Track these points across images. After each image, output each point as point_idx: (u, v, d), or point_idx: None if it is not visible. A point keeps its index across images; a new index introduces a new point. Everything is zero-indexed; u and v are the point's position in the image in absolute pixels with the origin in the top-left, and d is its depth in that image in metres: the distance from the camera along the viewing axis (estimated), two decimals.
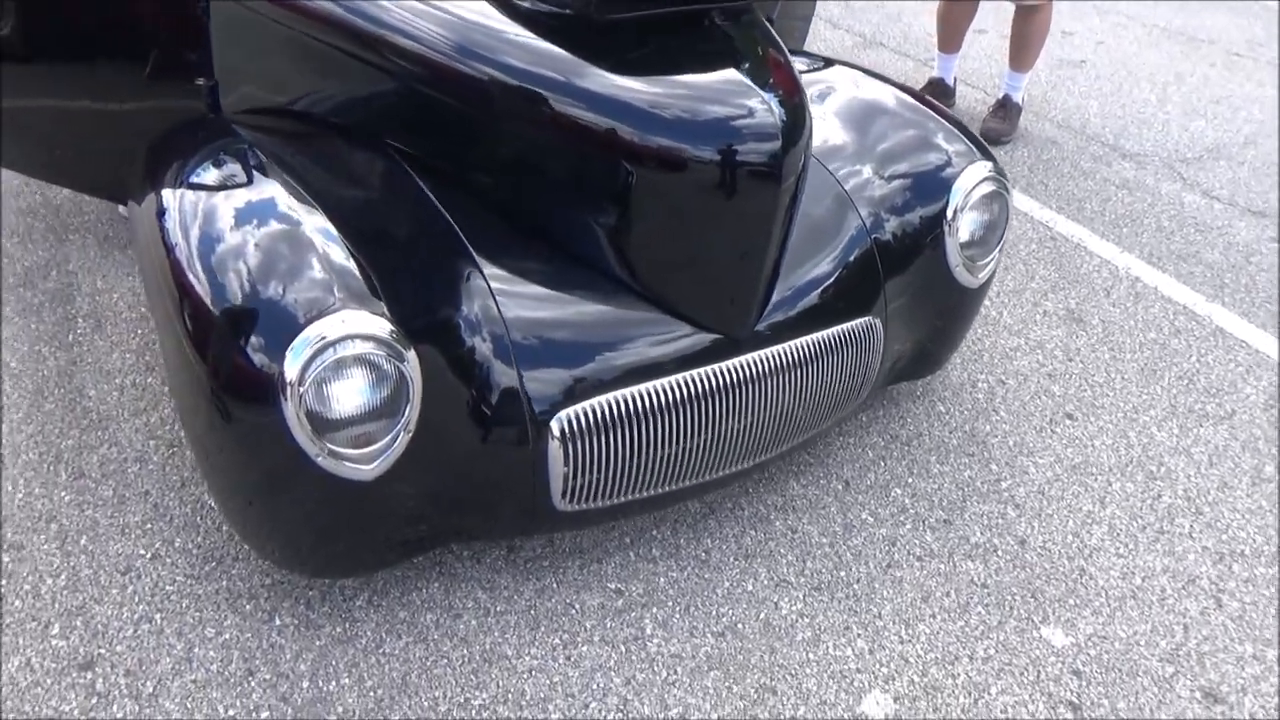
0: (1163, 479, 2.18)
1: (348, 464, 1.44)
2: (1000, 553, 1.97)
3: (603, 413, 1.59)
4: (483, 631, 1.74)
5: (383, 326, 1.41)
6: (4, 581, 1.76)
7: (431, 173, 1.80)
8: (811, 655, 1.73)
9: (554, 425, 1.57)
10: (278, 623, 1.72)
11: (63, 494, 1.95)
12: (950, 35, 3.87)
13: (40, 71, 2.35)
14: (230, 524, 1.73)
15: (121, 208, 2.83)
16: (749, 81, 1.63)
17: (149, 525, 1.90)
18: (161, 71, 2.26)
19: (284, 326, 1.39)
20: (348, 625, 1.73)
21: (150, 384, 2.25)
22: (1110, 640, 1.80)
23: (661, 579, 1.86)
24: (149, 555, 1.84)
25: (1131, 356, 2.59)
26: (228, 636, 1.70)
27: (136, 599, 1.75)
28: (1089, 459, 2.23)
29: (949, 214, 1.95)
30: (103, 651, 1.66)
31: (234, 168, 1.75)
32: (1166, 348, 2.64)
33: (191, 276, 1.51)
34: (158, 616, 1.72)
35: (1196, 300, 2.86)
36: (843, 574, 1.90)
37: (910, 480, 2.13)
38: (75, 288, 2.56)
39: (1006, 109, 3.82)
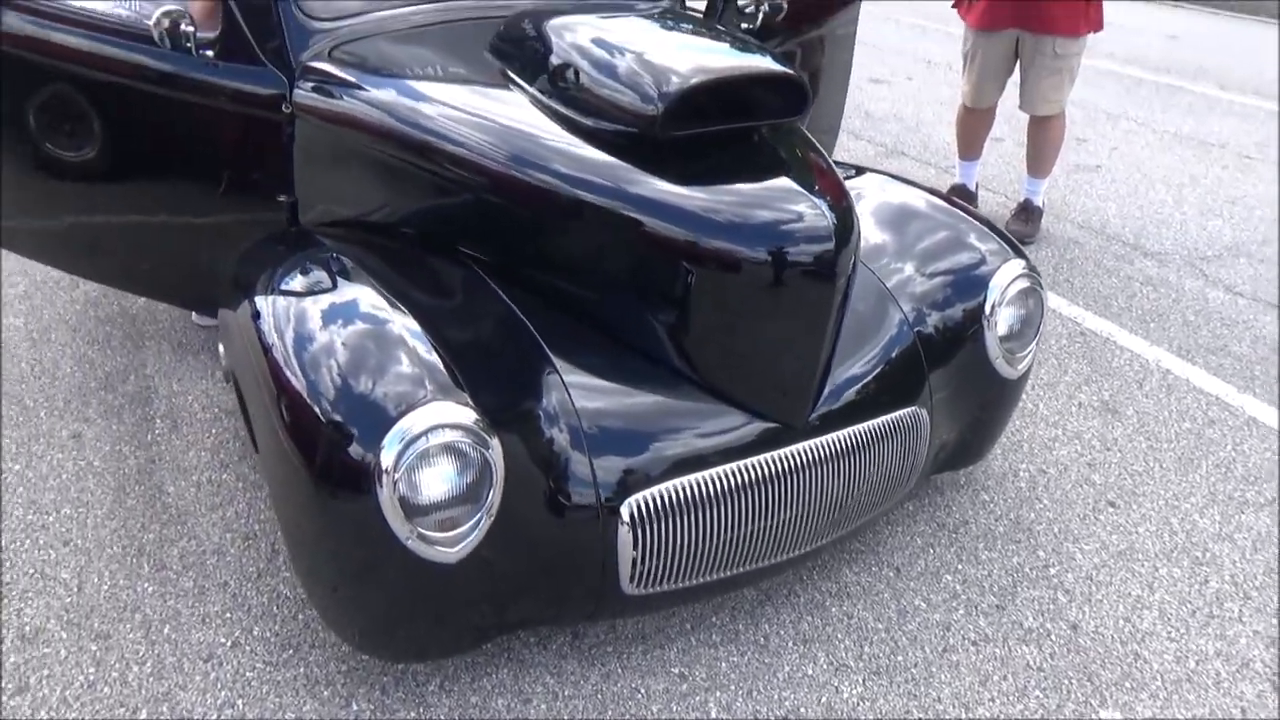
0: (1209, 564, 2.22)
1: (434, 547, 1.52)
2: (1054, 637, 2.00)
3: (670, 498, 1.67)
4: (552, 715, 1.79)
5: (469, 416, 1.52)
6: (93, 669, 1.84)
7: (503, 276, 1.94)
8: None
9: (624, 510, 1.66)
10: (355, 708, 1.78)
11: (146, 585, 2.04)
12: (970, 143, 4.07)
13: (128, 191, 2.55)
14: (315, 607, 1.81)
15: (195, 315, 3.00)
16: (800, 188, 1.77)
17: (228, 614, 1.98)
18: (244, 189, 2.45)
19: (378, 418, 1.50)
20: (422, 710, 1.78)
21: (225, 480, 2.36)
22: None
23: (723, 663, 1.91)
24: (229, 643, 1.91)
25: (1168, 446, 2.66)
26: None
27: (219, 685, 1.82)
28: (1134, 545, 2.28)
29: (987, 309, 2.06)
30: None
31: (321, 274, 1.90)
32: (1202, 437, 2.70)
33: (288, 374, 1.64)
34: (240, 702, 1.79)
35: (1228, 391, 2.93)
36: (900, 658, 1.94)
37: (960, 567, 2.18)
38: (153, 390, 2.70)
39: (1028, 212, 3.98)
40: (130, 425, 2.55)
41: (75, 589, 2.02)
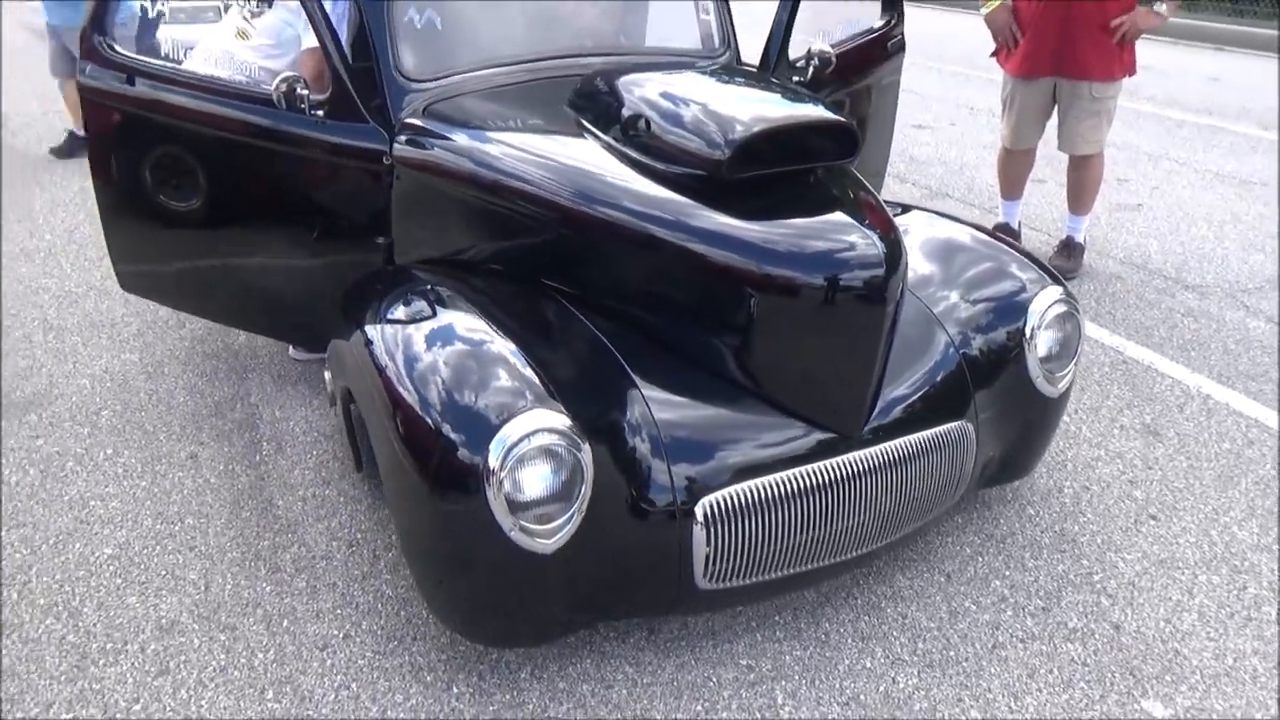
0: (1247, 573, 2.35)
1: (534, 539, 1.73)
2: (1097, 636, 2.14)
3: (740, 500, 1.87)
4: (633, 700, 1.97)
5: (564, 422, 1.73)
6: (224, 656, 2.06)
7: (584, 304, 2.16)
8: None
9: (698, 511, 1.85)
10: (455, 691, 1.98)
11: (264, 585, 2.27)
12: (1012, 184, 4.25)
13: (238, 236, 2.83)
14: (424, 599, 2.02)
15: (291, 350, 3.27)
16: (853, 221, 1.98)
17: (339, 610, 2.19)
18: (344, 233, 2.73)
19: (484, 426, 1.72)
20: (515, 693, 1.97)
21: (328, 495, 2.60)
22: (1208, 713, 1.95)
23: (787, 656, 2.08)
24: (341, 635, 2.13)
25: (1208, 465, 2.78)
26: (414, 702, 1.96)
27: (335, 671, 2.03)
28: (1174, 555, 2.41)
29: (1027, 332, 2.23)
30: (310, 713, 1.93)
31: (422, 303, 2.14)
32: (1241, 457, 2.82)
33: (402, 391, 1.87)
34: (354, 685, 2.00)
35: (1268, 415, 3.05)
36: (952, 654, 2.09)
37: (1007, 573, 2.33)
38: (258, 417, 2.96)
39: (1070, 249, 4.14)
40: (240, 447, 2.81)
41: (203, 588, 2.26)
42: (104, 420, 2.95)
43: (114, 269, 2.98)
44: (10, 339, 3.47)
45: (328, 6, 2.56)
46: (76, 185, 5.15)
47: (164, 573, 2.31)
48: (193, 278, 2.96)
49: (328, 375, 2.49)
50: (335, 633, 2.13)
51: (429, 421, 1.78)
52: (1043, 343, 2.26)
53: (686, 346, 2.06)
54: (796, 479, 1.92)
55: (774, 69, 2.98)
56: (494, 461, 1.69)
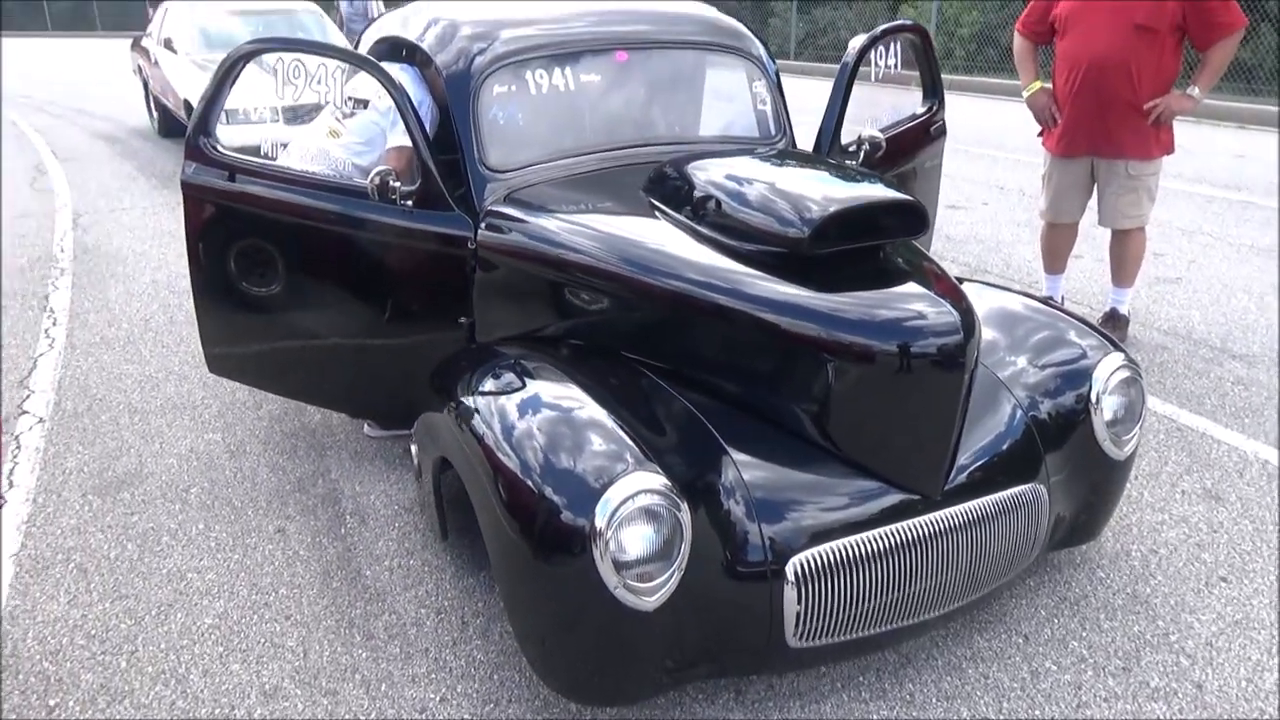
0: None
1: (638, 596, 1.81)
2: (1180, 695, 2.17)
3: (830, 558, 1.94)
4: None
5: (664, 484, 1.83)
6: None
7: (666, 374, 2.28)
8: None
9: (789, 569, 1.93)
10: None
11: (359, 651, 2.35)
12: (1055, 259, 4.37)
13: (324, 318, 2.99)
14: (528, 659, 2.09)
15: (366, 428, 3.40)
16: (927, 291, 2.10)
17: (433, 675, 2.27)
18: (427, 314, 2.88)
19: (587, 489, 1.82)
20: None
21: (413, 565, 2.69)
22: None
23: (874, 717, 2.12)
24: (438, 699, 2.19)
25: (1275, 528, 2.82)
26: None
27: None
28: (1249, 616, 2.43)
29: (1093, 397, 2.32)
30: None
31: (513, 375, 2.26)
32: None
33: (502, 459, 1.98)
34: None
35: None
36: (1037, 713, 2.12)
37: (1084, 634, 2.37)
38: (339, 492, 3.08)
39: (1115, 320, 4.23)
40: (325, 521, 2.92)
41: (301, 654, 2.34)
42: (193, 497, 3.07)
43: (203, 352, 3.13)
44: (98, 421, 3.63)
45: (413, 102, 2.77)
46: (148, 277, 5.39)
47: (263, 640, 2.39)
48: (280, 358, 3.10)
49: (414, 448, 2.60)
50: (433, 696, 2.20)
51: (532, 487, 1.88)
52: (1108, 407, 2.34)
53: (771, 413, 2.16)
54: (883, 538, 1.99)
55: (829, 152, 3.14)
56: (600, 523, 1.78)
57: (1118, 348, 2.43)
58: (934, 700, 2.16)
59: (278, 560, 2.72)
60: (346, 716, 2.14)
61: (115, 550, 2.79)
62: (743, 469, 2.01)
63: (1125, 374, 2.36)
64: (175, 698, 2.20)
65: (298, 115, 3.33)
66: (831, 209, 2.12)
